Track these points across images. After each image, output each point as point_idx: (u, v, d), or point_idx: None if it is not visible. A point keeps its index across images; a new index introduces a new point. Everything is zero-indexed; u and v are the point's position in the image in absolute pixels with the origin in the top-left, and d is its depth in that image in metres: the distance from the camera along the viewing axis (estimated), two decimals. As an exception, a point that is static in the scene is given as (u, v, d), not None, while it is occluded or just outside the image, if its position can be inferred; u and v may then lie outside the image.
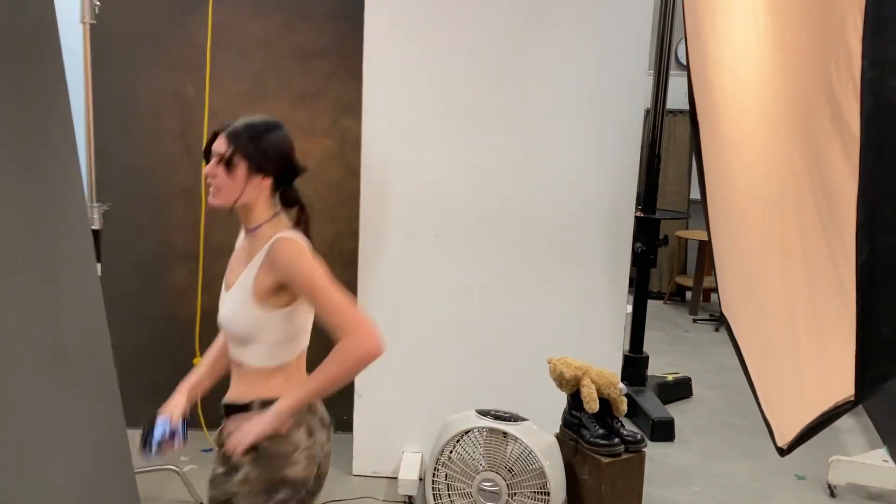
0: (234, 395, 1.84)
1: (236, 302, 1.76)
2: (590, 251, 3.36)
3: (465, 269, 3.38)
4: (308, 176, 3.83)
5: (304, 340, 1.87)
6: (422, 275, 3.39)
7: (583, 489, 2.81)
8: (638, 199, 4.66)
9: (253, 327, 1.75)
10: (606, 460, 2.75)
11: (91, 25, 2.94)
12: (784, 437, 1.40)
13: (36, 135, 2.52)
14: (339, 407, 3.81)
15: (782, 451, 1.42)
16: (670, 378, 4.80)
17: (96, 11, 2.99)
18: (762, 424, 4.32)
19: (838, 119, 0.87)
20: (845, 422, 4.52)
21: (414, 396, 3.44)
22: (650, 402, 4.32)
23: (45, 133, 2.56)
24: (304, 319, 1.83)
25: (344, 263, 3.69)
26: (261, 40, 3.73)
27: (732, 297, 1.59)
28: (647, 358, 4.63)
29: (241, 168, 1.73)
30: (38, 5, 2.53)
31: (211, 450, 2.84)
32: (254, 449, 1.75)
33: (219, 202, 1.77)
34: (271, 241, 1.74)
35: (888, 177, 0.86)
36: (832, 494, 3.55)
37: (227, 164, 1.72)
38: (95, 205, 2.90)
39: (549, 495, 2.73)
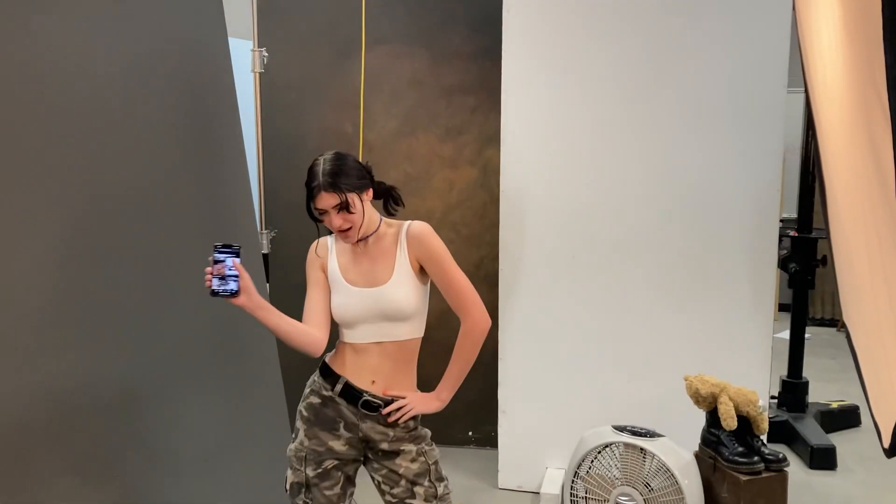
0: (402, 390, 2.11)
1: (407, 286, 2.04)
2: (731, 272, 3.32)
3: (602, 290, 3.45)
4: (454, 203, 4.08)
5: None
6: (560, 296, 3.50)
7: (722, 507, 2.79)
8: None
9: (419, 302, 2.08)
10: (745, 478, 2.71)
11: (260, 74, 3.34)
12: (886, 437, 1.39)
13: (215, 170, 2.91)
14: (487, 424, 3.98)
15: (888, 452, 1.41)
16: (835, 406, 4.55)
17: (265, 62, 3.39)
18: (939, 456, 4.02)
19: (886, 116, 0.93)
20: None
21: (555, 413, 3.54)
22: (809, 429, 4.14)
23: (222, 168, 2.95)
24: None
25: (489, 286, 3.88)
26: (411, 80, 4.03)
27: (846, 300, 1.60)
28: (806, 383, 4.43)
29: (355, 202, 2.00)
30: (216, 59, 2.94)
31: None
32: (413, 430, 2.12)
33: (358, 236, 2.05)
34: (405, 228, 2.07)
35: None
36: None
37: (346, 208, 1.98)
38: (264, 231, 3.25)
39: (686, 512, 2.73)
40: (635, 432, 2.89)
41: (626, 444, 2.86)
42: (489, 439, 4.00)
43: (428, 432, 2.18)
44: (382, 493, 2.15)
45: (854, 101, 1.11)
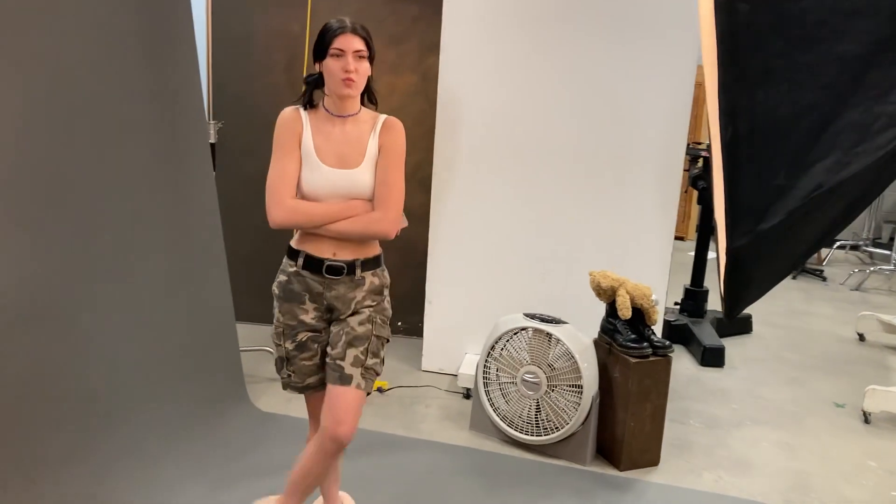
0: (365, 252, 2.21)
1: (372, 172, 2.13)
2: (642, 182, 3.67)
3: (524, 194, 3.77)
4: (394, 108, 4.29)
5: None
6: (486, 198, 3.81)
7: (613, 385, 3.19)
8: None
9: (372, 188, 2.16)
10: (634, 361, 3.11)
11: (212, -30, 3.46)
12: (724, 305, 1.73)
13: (167, 62, 3.06)
14: (416, 315, 4.32)
15: (726, 316, 1.76)
16: (730, 313, 5.04)
17: (217, -42, 3.50)
18: (815, 360, 4.58)
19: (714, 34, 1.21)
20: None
21: (476, 305, 3.89)
22: (704, 332, 4.61)
23: (174, 61, 3.10)
24: None
25: (423, 189, 4.17)
26: (358, -15, 4.18)
27: (715, 200, 1.92)
28: (706, 292, 4.89)
29: (370, 57, 2.10)
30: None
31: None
32: (377, 295, 2.24)
33: (355, 92, 2.11)
34: (383, 118, 2.18)
35: (740, 74, 1.19)
36: (866, 421, 3.78)
37: (366, 57, 2.08)
38: (212, 122, 3.44)
39: (582, 388, 3.12)
40: (544, 319, 3.25)
41: (535, 329, 3.22)
42: (416, 329, 4.36)
43: (389, 313, 2.29)
44: (324, 356, 2.24)
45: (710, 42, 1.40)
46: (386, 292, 2.30)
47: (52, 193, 2.47)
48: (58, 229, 2.50)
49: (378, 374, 2.25)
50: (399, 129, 2.18)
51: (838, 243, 7.76)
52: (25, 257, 2.39)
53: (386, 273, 2.30)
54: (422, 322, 4.07)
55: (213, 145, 3.44)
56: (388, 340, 2.29)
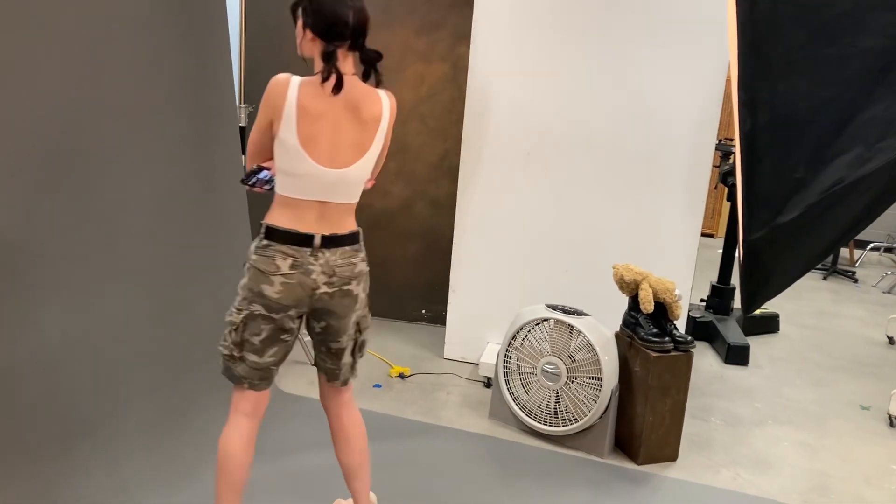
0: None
1: None
2: (670, 177, 3.64)
3: (551, 185, 3.76)
4: (424, 96, 4.31)
5: (292, 183, 2.05)
6: (513, 188, 3.81)
7: (633, 379, 3.18)
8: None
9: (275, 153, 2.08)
10: (655, 355, 3.10)
11: (247, -45, 3.50)
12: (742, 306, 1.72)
13: (199, 45, 3.11)
14: (439, 303, 4.35)
15: (743, 311, 1.75)
16: (757, 312, 4.99)
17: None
18: (842, 361, 4.53)
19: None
20: (929, 368, 4.60)
21: (499, 295, 3.90)
22: (730, 330, 4.57)
23: (206, 44, 3.15)
24: (290, 159, 2.03)
25: (451, 177, 4.18)
26: (392, -28, 4.19)
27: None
28: (733, 289, 4.85)
29: (299, 22, 2.07)
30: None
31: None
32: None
33: (300, 52, 2.12)
34: None
35: (761, 66, 1.18)
36: (891, 424, 3.73)
37: (292, 15, 2.09)
38: (242, 105, 3.49)
39: (602, 381, 3.12)
40: (566, 311, 3.25)
41: (557, 321, 3.23)
42: (439, 317, 4.38)
43: (239, 295, 2.10)
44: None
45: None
46: (245, 269, 2.09)
47: (81, 174, 2.52)
48: (84, 209, 2.55)
49: (224, 358, 2.15)
50: (269, 82, 2.06)
51: (872, 245, 7.62)
52: (50, 238, 2.44)
53: (251, 252, 2.08)
54: (445, 310, 4.09)
55: (242, 129, 3.49)
56: (232, 327, 2.09)
